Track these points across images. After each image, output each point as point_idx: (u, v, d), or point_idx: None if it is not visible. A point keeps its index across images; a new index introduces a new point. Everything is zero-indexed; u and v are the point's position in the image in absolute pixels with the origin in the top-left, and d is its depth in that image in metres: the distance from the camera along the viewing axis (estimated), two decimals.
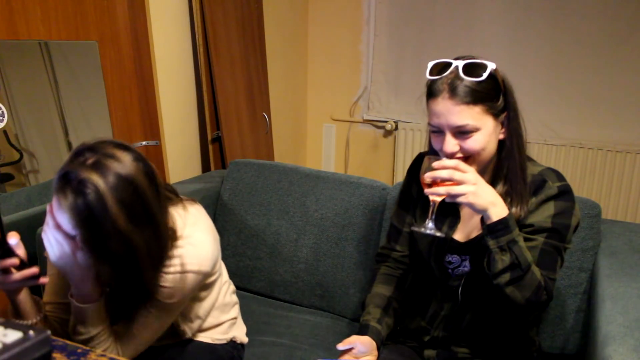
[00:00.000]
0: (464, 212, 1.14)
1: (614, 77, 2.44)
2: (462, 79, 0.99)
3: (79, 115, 1.73)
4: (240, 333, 1.30)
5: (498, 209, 0.98)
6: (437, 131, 1.03)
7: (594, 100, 2.51)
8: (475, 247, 1.09)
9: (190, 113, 2.23)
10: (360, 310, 1.29)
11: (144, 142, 2.00)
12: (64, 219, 0.86)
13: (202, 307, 1.15)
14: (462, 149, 1.02)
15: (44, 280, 0.95)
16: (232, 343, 1.26)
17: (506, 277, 0.99)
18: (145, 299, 1.00)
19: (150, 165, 0.93)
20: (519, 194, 1.05)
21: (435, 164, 0.98)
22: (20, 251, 0.93)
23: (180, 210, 1.06)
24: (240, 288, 1.76)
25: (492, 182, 1.07)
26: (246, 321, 1.53)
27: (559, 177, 1.07)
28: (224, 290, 1.23)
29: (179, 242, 1.00)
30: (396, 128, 3.01)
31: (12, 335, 0.48)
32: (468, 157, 1.03)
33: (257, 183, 1.76)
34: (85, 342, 0.95)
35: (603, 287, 1.17)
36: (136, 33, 1.91)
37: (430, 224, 1.04)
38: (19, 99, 1.53)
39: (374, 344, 1.15)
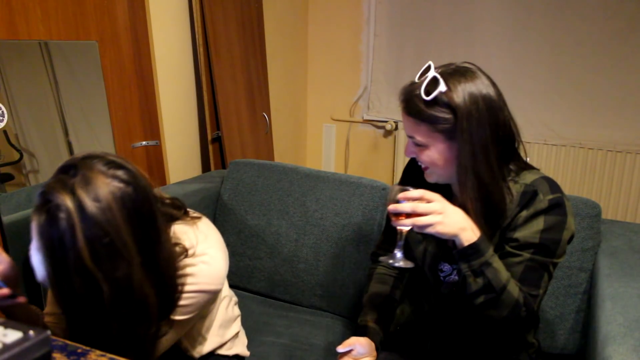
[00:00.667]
0: None
1: (614, 77, 2.44)
2: (418, 93, 0.98)
3: (79, 115, 1.73)
4: (242, 348, 1.29)
5: (468, 234, 0.96)
6: None
7: (594, 100, 2.51)
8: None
9: (190, 113, 2.23)
10: (359, 310, 1.29)
11: (144, 142, 2.00)
12: (34, 240, 0.80)
13: (204, 325, 1.14)
14: (417, 157, 1.04)
15: (21, 299, 0.90)
16: (235, 358, 1.26)
17: (480, 299, 0.98)
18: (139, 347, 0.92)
19: (143, 187, 0.86)
20: (483, 216, 1.01)
21: (399, 195, 0.97)
22: None
23: (189, 226, 1.04)
24: (240, 288, 1.76)
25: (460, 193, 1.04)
26: (246, 321, 1.53)
27: (552, 188, 1.01)
28: (224, 304, 1.22)
29: (192, 260, 0.98)
30: (396, 128, 3.01)
31: (12, 335, 0.48)
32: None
33: (257, 183, 1.76)
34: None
35: (603, 287, 1.17)
36: (136, 33, 1.91)
37: (398, 255, 1.03)
38: (19, 99, 1.53)
39: (372, 344, 1.16)
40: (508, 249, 1.02)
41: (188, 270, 0.97)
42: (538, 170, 1.08)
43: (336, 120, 3.23)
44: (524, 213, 1.00)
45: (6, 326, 0.49)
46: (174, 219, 1.01)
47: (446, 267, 1.11)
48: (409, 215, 0.96)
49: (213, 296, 1.03)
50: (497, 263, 0.98)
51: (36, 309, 1.01)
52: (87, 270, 0.78)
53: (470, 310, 1.07)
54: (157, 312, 0.88)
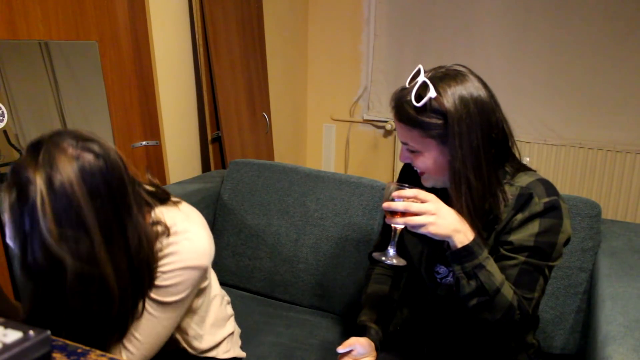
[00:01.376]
0: None
1: (614, 77, 2.44)
2: (408, 99, 0.97)
3: (79, 115, 1.73)
4: (238, 350, 1.29)
5: (461, 236, 0.96)
6: None
7: (594, 100, 2.51)
8: None
9: (190, 113, 2.22)
10: (359, 310, 1.29)
11: (144, 142, 2.00)
12: (6, 215, 0.81)
13: (195, 321, 1.13)
14: (412, 162, 1.04)
15: None
16: None
17: (473, 301, 0.98)
18: (118, 329, 0.92)
19: (114, 161, 0.85)
20: (479, 220, 1.00)
21: (394, 193, 0.97)
22: None
23: (171, 207, 1.04)
24: (240, 288, 1.76)
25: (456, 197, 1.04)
26: (246, 321, 1.53)
27: (548, 191, 1.00)
28: (216, 302, 1.21)
29: (174, 238, 0.98)
30: (396, 128, 3.01)
31: (12, 335, 0.48)
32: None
33: (257, 183, 1.76)
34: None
35: (603, 287, 1.17)
36: (136, 33, 1.91)
37: (391, 252, 1.02)
38: (19, 99, 1.53)
39: (372, 344, 1.16)
40: (503, 252, 1.01)
41: (171, 248, 0.97)
42: (534, 171, 1.07)
43: (336, 120, 3.23)
44: (519, 216, 1.00)
45: (6, 326, 0.49)
46: (155, 203, 1.00)
47: (442, 269, 1.11)
48: (402, 214, 0.96)
49: (201, 273, 1.01)
50: (491, 266, 0.98)
51: (17, 303, 1.00)
52: (52, 246, 0.79)
53: (466, 311, 1.07)
54: (118, 293, 0.86)
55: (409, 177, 1.19)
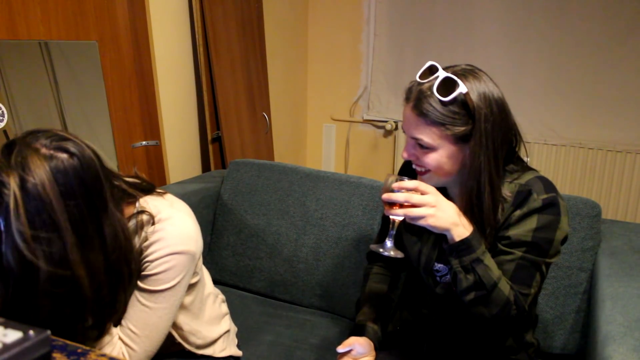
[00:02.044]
0: None
1: (614, 77, 2.44)
2: (431, 93, 0.95)
3: (79, 115, 1.73)
4: (234, 348, 1.29)
5: (460, 229, 0.96)
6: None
7: (594, 100, 2.51)
8: None
9: (190, 113, 2.22)
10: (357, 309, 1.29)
11: (144, 142, 2.00)
12: None
13: (190, 317, 1.13)
14: (419, 160, 1.01)
15: None
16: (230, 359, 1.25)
17: (470, 295, 0.98)
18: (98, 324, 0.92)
19: (89, 159, 0.84)
20: (481, 219, 1.00)
21: (394, 185, 0.96)
22: None
23: (155, 196, 1.03)
24: (240, 288, 1.76)
25: (461, 197, 1.04)
26: (246, 321, 1.53)
27: (547, 188, 1.01)
28: (210, 300, 1.21)
29: (159, 226, 0.97)
30: (396, 128, 3.01)
31: (12, 335, 0.48)
32: (429, 170, 1.01)
33: (257, 183, 1.76)
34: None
35: (603, 287, 1.17)
36: (136, 33, 1.91)
37: (388, 244, 1.02)
38: (19, 99, 1.53)
39: (371, 344, 1.16)
40: (500, 247, 1.02)
41: (157, 236, 0.96)
42: (535, 170, 1.08)
43: (336, 120, 3.23)
44: (518, 212, 1.00)
45: (6, 326, 0.49)
46: (138, 194, 1.00)
47: (441, 267, 1.11)
48: (402, 205, 0.95)
49: (189, 258, 1.00)
50: (489, 260, 0.98)
51: None
52: (24, 249, 0.78)
53: (465, 310, 1.07)
54: (91, 294, 0.86)
55: (409, 174, 1.19)
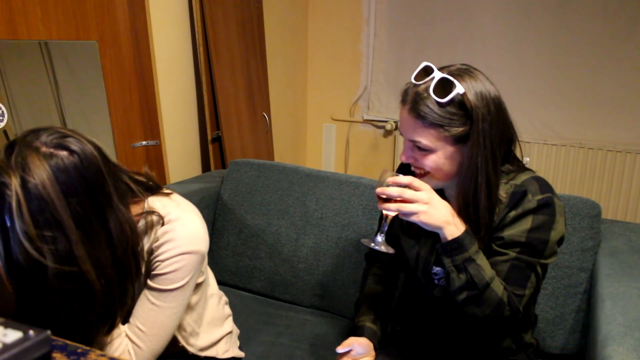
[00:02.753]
0: None
1: (614, 77, 2.44)
2: (428, 95, 0.95)
3: (79, 115, 1.73)
4: (236, 349, 1.29)
5: (452, 228, 0.96)
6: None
7: (594, 100, 2.51)
8: None
9: (190, 113, 2.22)
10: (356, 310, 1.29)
11: (144, 142, 2.00)
12: None
13: (193, 318, 1.13)
14: (417, 162, 1.01)
15: None
16: None
17: (463, 295, 0.98)
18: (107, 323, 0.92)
19: (90, 155, 0.84)
20: (477, 220, 1.00)
21: (389, 179, 0.96)
22: None
23: (162, 197, 1.04)
24: (240, 288, 1.76)
25: (458, 198, 1.03)
26: (246, 321, 1.53)
27: (542, 188, 1.00)
28: (214, 301, 1.21)
29: (168, 227, 0.99)
30: (396, 128, 3.01)
31: (12, 335, 0.48)
32: (427, 172, 1.01)
33: (257, 183, 1.76)
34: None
35: (603, 287, 1.17)
36: (136, 33, 1.91)
37: (379, 238, 1.02)
38: (19, 99, 1.53)
39: (371, 344, 1.16)
40: (494, 247, 1.01)
41: (167, 236, 0.98)
42: (532, 171, 1.07)
43: (336, 120, 3.23)
44: (513, 213, 1.00)
45: (6, 326, 0.49)
46: (143, 193, 1.01)
47: (439, 270, 1.11)
48: (395, 200, 0.95)
49: (199, 258, 1.02)
50: (482, 260, 0.98)
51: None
52: (30, 248, 0.79)
53: (462, 312, 1.07)
54: (100, 287, 0.86)
55: (407, 175, 1.19)
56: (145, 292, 1.00)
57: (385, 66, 2.98)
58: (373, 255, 1.33)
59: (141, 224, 0.99)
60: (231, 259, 1.76)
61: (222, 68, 2.20)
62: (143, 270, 0.98)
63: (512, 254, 1.00)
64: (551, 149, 2.63)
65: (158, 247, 0.98)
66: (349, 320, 1.59)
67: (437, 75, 0.96)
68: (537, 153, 2.65)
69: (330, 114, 3.24)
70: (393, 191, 0.95)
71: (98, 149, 0.87)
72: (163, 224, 0.99)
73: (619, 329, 0.98)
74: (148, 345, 0.99)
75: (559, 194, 1.11)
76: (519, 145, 1.06)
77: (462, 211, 1.01)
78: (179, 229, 0.99)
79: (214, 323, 1.20)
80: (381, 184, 0.97)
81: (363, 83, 3.09)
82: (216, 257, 1.79)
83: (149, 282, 0.99)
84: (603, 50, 2.44)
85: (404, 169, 1.22)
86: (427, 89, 0.96)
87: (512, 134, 1.03)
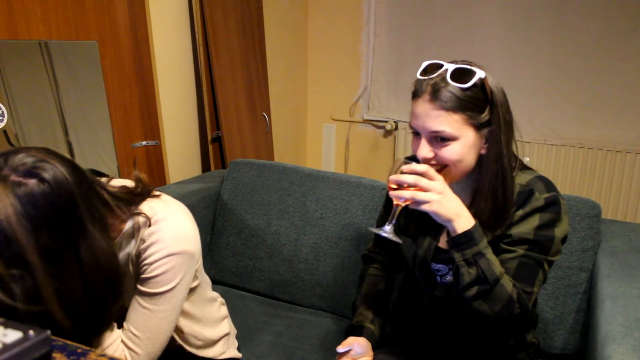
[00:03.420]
0: None
1: (614, 77, 2.44)
2: (447, 83, 0.95)
3: (79, 115, 1.73)
4: (234, 350, 1.28)
5: (463, 221, 0.96)
6: (416, 133, 1.01)
7: (594, 100, 2.51)
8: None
9: (190, 113, 2.23)
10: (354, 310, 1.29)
11: (144, 142, 2.00)
12: None
13: (189, 320, 1.12)
14: (436, 157, 0.99)
15: None
16: None
17: (473, 290, 0.97)
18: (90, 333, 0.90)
19: (61, 183, 0.79)
20: (492, 215, 1.01)
21: (404, 167, 0.96)
22: None
23: (150, 199, 1.01)
24: (240, 288, 1.76)
25: (472, 199, 1.04)
26: (246, 321, 1.53)
27: (548, 187, 1.02)
28: (210, 303, 1.21)
29: (155, 227, 0.96)
30: (396, 128, 3.01)
31: (12, 335, 0.48)
32: (444, 167, 1.00)
33: (257, 183, 1.76)
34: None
35: (603, 287, 1.17)
36: (136, 33, 1.91)
37: (387, 227, 1.00)
38: (19, 99, 1.53)
39: (369, 344, 1.16)
40: (502, 245, 1.02)
41: (154, 237, 0.95)
42: (533, 170, 1.08)
43: (336, 120, 3.23)
44: (520, 212, 1.01)
45: (6, 326, 0.49)
46: (131, 200, 0.97)
47: (442, 267, 1.10)
48: (408, 188, 0.95)
49: (188, 258, 0.98)
50: (491, 255, 0.98)
51: None
52: (1, 287, 0.75)
53: (464, 309, 1.07)
54: (69, 324, 0.82)
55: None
56: (136, 296, 0.98)
57: (385, 66, 2.98)
58: (370, 256, 1.33)
59: (128, 226, 0.97)
60: (231, 259, 1.76)
61: (222, 68, 2.20)
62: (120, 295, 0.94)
63: (520, 251, 1.00)
64: (551, 149, 2.63)
65: (145, 249, 0.95)
66: (348, 320, 1.59)
67: (450, 66, 0.97)
68: (537, 153, 2.65)
69: (330, 114, 3.24)
70: (408, 178, 0.94)
71: (73, 170, 0.82)
72: (150, 225, 0.96)
73: (619, 329, 0.98)
74: (144, 349, 0.97)
75: None
76: (515, 144, 1.07)
77: (476, 204, 1.01)
78: (166, 229, 0.96)
79: (211, 324, 1.20)
80: (395, 172, 0.97)
81: (363, 83, 3.09)
82: (216, 257, 1.79)
83: (139, 286, 0.97)
84: (603, 50, 2.44)
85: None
86: (444, 79, 0.96)
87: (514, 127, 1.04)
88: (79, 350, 0.71)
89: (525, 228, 1.00)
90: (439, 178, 0.95)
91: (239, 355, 1.30)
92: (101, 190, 0.90)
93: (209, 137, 2.26)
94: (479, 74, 0.95)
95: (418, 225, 1.12)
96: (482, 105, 0.97)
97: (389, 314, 1.29)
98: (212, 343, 1.20)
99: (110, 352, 0.95)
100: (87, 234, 0.83)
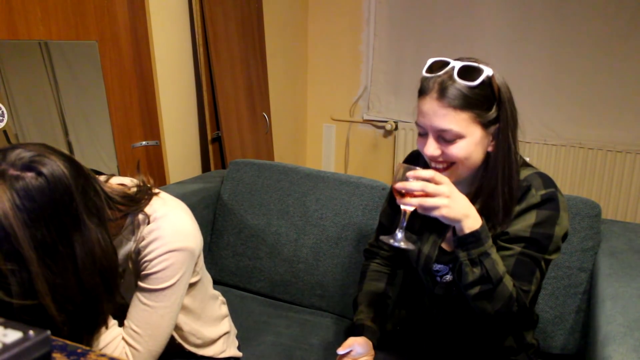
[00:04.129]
0: None
1: (614, 77, 2.44)
2: (454, 81, 0.94)
3: (79, 115, 1.73)
4: (234, 350, 1.28)
5: (470, 221, 0.95)
6: (423, 132, 1.00)
7: (594, 100, 2.51)
8: (456, 257, 1.07)
9: (190, 113, 2.23)
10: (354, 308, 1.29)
11: (144, 142, 2.00)
12: None
13: (189, 318, 1.12)
14: (444, 154, 0.98)
15: None
16: None
17: (476, 289, 0.97)
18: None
19: (59, 177, 0.79)
20: (500, 211, 1.00)
21: (410, 173, 0.93)
22: None
23: (152, 199, 1.02)
24: (240, 288, 1.76)
25: (475, 196, 1.03)
26: (246, 321, 1.53)
27: (546, 183, 1.01)
28: (211, 301, 1.21)
29: (154, 225, 0.96)
30: (396, 128, 3.01)
31: (12, 335, 0.48)
32: (451, 165, 0.99)
33: (257, 183, 1.76)
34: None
35: (603, 287, 1.17)
36: (136, 33, 1.91)
37: (399, 235, 0.98)
38: (19, 99, 1.53)
39: (370, 343, 1.16)
40: (499, 242, 1.02)
41: (153, 235, 0.95)
42: (533, 167, 1.08)
43: (336, 120, 3.23)
44: (517, 208, 1.01)
45: (6, 326, 0.49)
46: (123, 206, 0.96)
47: (441, 267, 1.11)
48: (415, 195, 0.93)
49: (188, 255, 0.99)
50: (496, 255, 0.98)
51: None
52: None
53: (465, 308, 1.07)
54: (62, 319, 0.82)
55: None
56: (137, 293, 0.98)
57: (385, 66, 2.98)
58: (371, 251, 1.33)
59: (127, 223, 0.98)
60: (231, 259, 1.76)
61: (222, 68, 2.20)
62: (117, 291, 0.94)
63: (517, 248, 1.00)
64: (551, 149, 2.63)
65: (145, 246, 0.96)
66: (348, 320, 1.59)
67: (456, 64, 0.96)
68: (537, 153, 2.65)
69: (330, 114, 3.24)
70: (415, 185, 0.93)
71: (71, 165, 0.83)
72: (149, 223, 0.96)
73: (619, 329, 0.98)
74: (145, 346, 0.98)
75: None
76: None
77: (480, 201, 1.01)
78: (164, 226, 0.97)
79: (212, 323, 1.20)
80: (399, 178, 0.95)
81: (363, 83, 3.09)
82: (216, 257, 1.79)
83: (139, 282, 0.98)
84: (603, 50, 2.44)
85: (412, 164, 1.21)
86: (451, 77, 0.95)
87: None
88: (79, 350, 0.71)
89: (522, 225, 1.00)
90: (446, 181, 0.94)
91: (239, 354, 1.30)
92: (99, 187, 0.91)
93: (209, 137, 2.26)
94: (487, 71, 0.95)
95: (424, 222, 1.12)
96: (489, 103, 0.97)
97: (390, 312, 1.29)
98: (212, 342, 1.20)
99: (110, 349, 0.95)
100: (84, 228, 0.83)
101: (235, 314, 1.44)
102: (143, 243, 0.96)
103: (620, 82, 2.43)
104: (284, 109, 2.96)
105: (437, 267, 1.11)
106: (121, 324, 1.00)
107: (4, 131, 1.50)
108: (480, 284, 0.97)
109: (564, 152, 2.61)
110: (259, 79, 2.50)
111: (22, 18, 1.53)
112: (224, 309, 1.29)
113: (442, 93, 0.95)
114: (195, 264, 1.06)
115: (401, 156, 2.99)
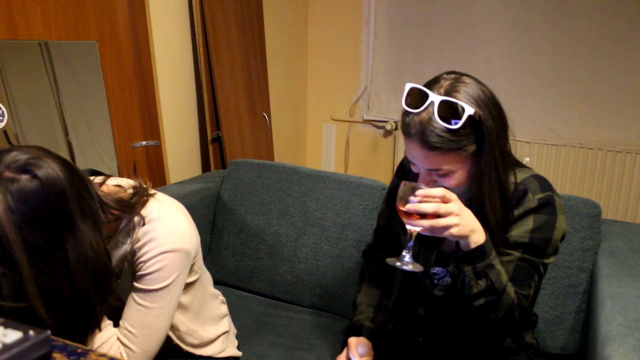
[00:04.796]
0: None
1: (614, 77, 2.44)
2: (435, 125, 0.91)
3: (79, 115, 1.73)
4: (234, 349, 1.28)
5: (477, 236, 0.94)
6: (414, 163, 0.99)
7: (594, 100, 2.51)
8: (455, 259, 1.06)
9: (190, 113, 2.23)
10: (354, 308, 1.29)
11: (144, 142, 2.00)
12: None
13: (187, 317, 1.12)
14: (436, 184, 0.98)
15: None
16: None
17: (480, 301, 0.97)
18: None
19: (53, 180, 0.79)
20: (494, 217, 0.99)
21: (419, 192, 0.89)
22: None
23: (149, 201, 1.02)
24: (240, 288, 1.76)
25: (471, 203, 1.02)
26: (246, 321, 1.53)
27: (542, 187, 1.00)
28: (210, 301, 1.21)
29: (149, 226, 0.96)
30: (396, 128, 3.01)
31: (12, 335, 0.48)
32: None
33: (257, 183, 1.76)
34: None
35: (603, 287, 1.17)
36: (136, 33, 1.91)
37: (407, 257, 0.95)
38: (19, 99, 1.53)
39: (370, 344, 1.16)
40: (499, 248, 1.01)
41: (148, 236, 0.96)
42: (529, 169, 1.07)
43: (336, 120, 3.23)
44: (514, 212, 1.00)
45: (6, 326, 0.49)
46: (119, 210, 0.96)
47: (439, 270, 1.10)
48: (425, 215, 0.89)
49: (183, 256, 0.99)
50: (499, 265, 0.98)
51: None
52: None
53: (464, 311, 1.06)
54: (53, 321, 0.82)
55: (406, 174, 1.18)
56: (132, 293, 0.99)
57: (385, 66, 2.98)
58: (371, 252, 1.33)
59: (123, 225, 0.98)
60: (231, 259, 1.76)
61: (222, 68, 2.20)
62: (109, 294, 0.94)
63: (516, 254, 1.00)
64: (551, 149, 2.63)
65: (140, 247, 0.96)
66: (348, 320, 1.59)
67: (435, 99, 0.91)
68: (537, 153, 2.65)
69: (330, 114, 3.24)
70: (428, 208, 0.88)
71: (66, 168, 0.83)
72: (144, 224, 0.97)
73: (619, 329, 0.98)
74: (140, 347, 0.98)
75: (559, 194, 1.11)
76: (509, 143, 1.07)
77: (474, 209, 1.00)
78: (159, 228, 0.97)
79: (210, 322, 1.20)
80: (405, 198, 0.90)
81: (363, 83, 3.09)
82: (216, 257, 1.79)
83: (135, 283, 0.98)
84: (603, 51, 2.44)
85: (405, 172, 1.21)
86: (431, 118, 0.91)
87: (507, 126, 1.02)
88: (79, 351, 0.71)
89: (520, 231, 0.99)
90: (454, 197, 0.92)
91: (239, 353, 1.30)
92: (93, 190, 0.90)
93: (209, 137, 2.26)
94: (467, 110, 0.90)
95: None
96: (473, 136, 0.94)
97: (389, 312, 1.29)
98: (210, 341, 1.20)
99: (105, 349, 0.95)
100: (77, 232, 0.83)
101: (235, 313, 1.44)
102: (138, 244, 0.97)
103: (620, 82, 2.43)
104: (284, 109, 2.96)
105: (435, 269, 1.11)
106: (116, 325, 1.00)
107: (4, 131, 1.50)
108: (485, 295, 0.96)
109: (564, 152, 2.61)
110: (259, 79, 2.50)
111: (22, 18, 1.53)
112: (224, 309, 1.29)
113: (424, 139, 0.92)
114: (193, 264, 1.06)
115: (401, 156, 2.99)
